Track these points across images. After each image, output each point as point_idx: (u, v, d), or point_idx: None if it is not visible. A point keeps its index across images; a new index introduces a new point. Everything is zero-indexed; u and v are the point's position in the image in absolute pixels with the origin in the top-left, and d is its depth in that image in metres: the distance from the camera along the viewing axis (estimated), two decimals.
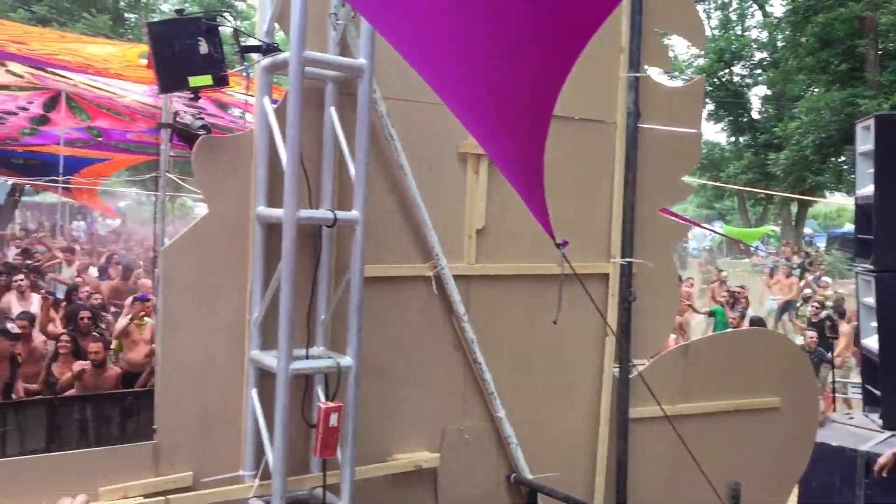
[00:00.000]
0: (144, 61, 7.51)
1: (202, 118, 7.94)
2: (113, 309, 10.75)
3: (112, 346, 8.80)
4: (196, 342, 4.23)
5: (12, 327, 7.49)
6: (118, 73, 8.36)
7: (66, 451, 4.24)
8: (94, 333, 8.55)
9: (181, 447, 4.18)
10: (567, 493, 4.93)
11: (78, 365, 7.72)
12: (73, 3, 18.94)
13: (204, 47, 4.07)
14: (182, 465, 4.19)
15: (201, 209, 30.60)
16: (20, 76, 14.06)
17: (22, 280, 9.40)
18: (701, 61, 38.09)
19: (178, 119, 7.57)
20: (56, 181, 16.07)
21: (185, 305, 4.20)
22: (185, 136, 7.75)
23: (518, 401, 5.17)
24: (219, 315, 4.29)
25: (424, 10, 1.97)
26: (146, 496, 4.03)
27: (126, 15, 20.83)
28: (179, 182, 15.51)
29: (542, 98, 1.79)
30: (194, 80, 4.09)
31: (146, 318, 8.83)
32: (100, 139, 18.38)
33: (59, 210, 17.61)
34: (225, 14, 4.27)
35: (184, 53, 4.05)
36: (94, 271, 14.06)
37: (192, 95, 4.27)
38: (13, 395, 7.59)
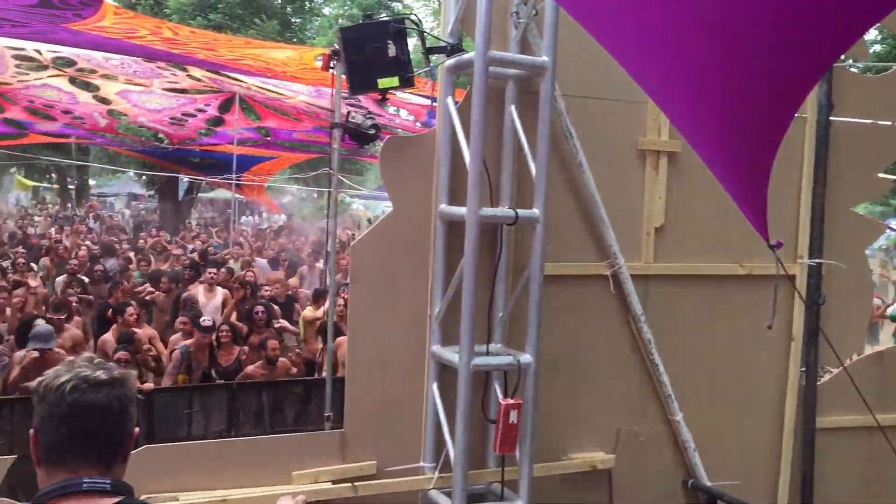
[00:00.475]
0: (319, 63, 7.81)
1: (372, 117, 8.18)
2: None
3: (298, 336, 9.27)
4: (380, 335, 4.37)
5: (204, 320, 7.99)
6: (294, 75, 8.76)
7: (268, 435, 4.50)
8: (272, 329, 8.99)
9: (366, 436, 4.34)
10: (747, 503, 4.73)
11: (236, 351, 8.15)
12: (245, 10, 20.03)
13: (392, 50, 4.19)
14: (367, 453, 4.34)
15: (358, 205, 31.69)
16: (199, 80, 15.04)
17: (214, 274, 9.94)
18: (877, 48, 35.53)
19: (349, 119, 7.85)
20: (229, 178, 17.06)
21: (371, 300, 4.34)
22: (356, 135, 8.01)
23: (696, 404, 5.02)
24: (402, 310, 4.41)
25: (651, 8, 1.93)
26: (334, 482, 4.21)
27: (292, 19, 21.82)
28: (341, 179, 16.05)
29: (788, 103, 1.71)
30: (383, 82, 4.22)
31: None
32: (268, 138, 19.37)
33: (233, 205, 18.72)
34: (411, 17, 4.37)
35: (373, 56, 4.18)
36: (262, 263, 14.80)
37: (379, 97, 4.40)
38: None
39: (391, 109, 18.06)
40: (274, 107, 16.97)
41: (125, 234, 19.56)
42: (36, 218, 21.10)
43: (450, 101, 4.36)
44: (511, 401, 4.16)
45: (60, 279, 10.38)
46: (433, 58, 4.39)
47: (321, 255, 14.59)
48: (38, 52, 13.12)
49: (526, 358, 4.26)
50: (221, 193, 24.50)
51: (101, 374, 1.87)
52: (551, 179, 4.47)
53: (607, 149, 4.76)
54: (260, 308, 9.31)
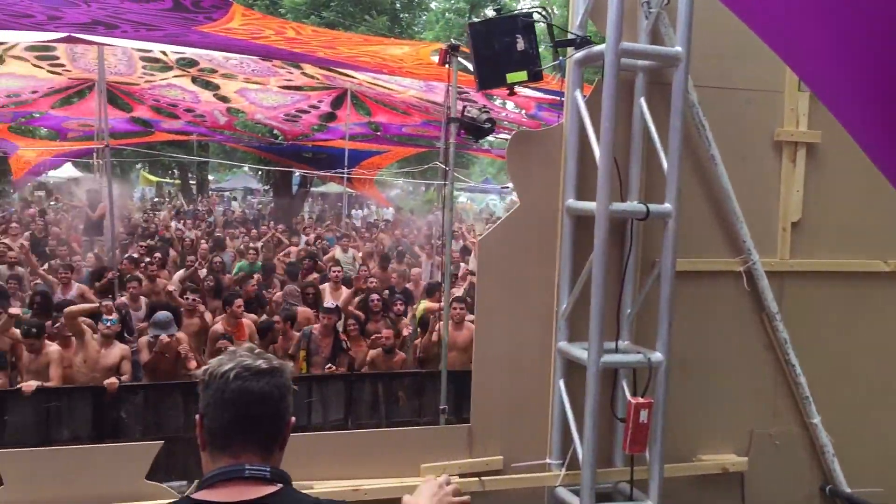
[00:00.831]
0: (436, 58, 7.84)
1: (487, 111, 8.16)
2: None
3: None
4: (507, 331, 4.36)
5: (329, 303, 8.22)
6: (409, 70, 8.85)
7: (399, 428, 4.57)
8: (387, 318, 9.14)
9: (493, 432, 4.34)
10: None
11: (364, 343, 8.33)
12: (356, 7, 20.41)
13: (521, 44, 4.17)
14: (493, 448, 4.34)
15: (464, 198, 31.80)
16: (313, 77, 15.41)
17: (339, 272, 10.19)
18: None
19: (465, 113, 7.85)
20: (341, 172, 17.43)
21: (497, 295, 4.34)
22: (471, 129, 8.00)
23: (834, 407, 4.79)
24: (528, 305, 4.38)
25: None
26: (462, 476, 4.23)
27: (401, 15, 22.09)
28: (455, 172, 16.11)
29: None
30: (511, 77, 4.20)
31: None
32: (378, 133, 19.69)
33: (343, 199, 19.12)
34: (541, 10, 4.32)
35: (502, 51, 4.16)
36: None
37: (508, 91, 4.38)
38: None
39: (497, 102, 18.03)
40: (384, 102, 17.22)
41: (242, 227, 20.26)
42: (161, 213, 22.14)
43: (578, 94, 4.29)
44: (641, 399, 4.08)
45: (179, 273, 10.83)
46: (564, 50, 4.33)
47: (431, 249, 14.71)
48: (164, 53, 13.76)
49: (657, 356, 4.17)
50: (333, 188, 25.07)
51: (261, 364, 1.93)
52: (682, 173, 4.35)
53: (741, 141, 4.59)
54: (375, 296, 9.46)
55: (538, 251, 4.40)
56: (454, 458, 4.27)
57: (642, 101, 4.34)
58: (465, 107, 7.84)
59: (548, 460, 4.41)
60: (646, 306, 4.36)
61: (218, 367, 1.94)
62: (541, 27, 4.30)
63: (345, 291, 10.06)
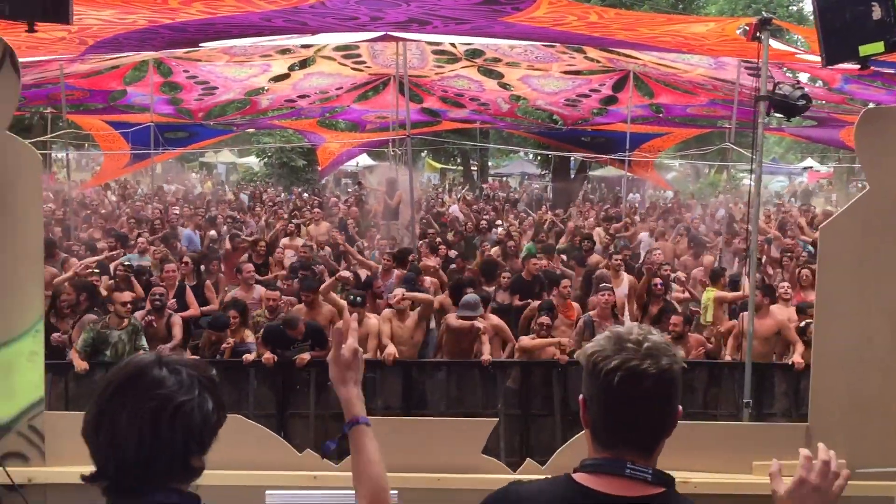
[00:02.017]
0: (742, 33, 7.42)
1: (801, 88, 7.56)
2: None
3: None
4: (852, 325, 4.01)
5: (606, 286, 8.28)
6: (711, 48, 8.46)
7: (727, 422, 4.42)
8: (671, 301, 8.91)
9: (834, 433, 4.02)
10: None
11: None
12: None
13: (877, 12, 3.79)
14: (835, 450, 4.01)
15: (749, 181, 29.98)
16: (596, 61, 15.32)
17: (620, 259, 10.17)
18: None
19: (776, 90, 7.33)
20: (622, 156, 17.23)
21: (842, 286, 4.01)
22: (783, 107, 7.46)
23: None
24: (878, 297, 4.00)
25: None
26: None
27: None
28: (742, 153, 15.29)
29: None
30: (865, 49, 3.84)
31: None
32: (660, 115, 19.16)
33: (622, 183, 18.88)
34: None
35: (854, 20, 3.82)
36: (645, 237, 14.75)
37: (859, 66, 4.02)
38: None
39: (788, 74, 16.78)
40: (669, 82, 16.71)
41: (517, 210, 20.78)
42: (445, 197, 23.36)
43: None
44: None
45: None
46: None
47: (731, 236, 14.15)
48: (453, 45, 14.39)
49: None
50: (611, 171, 24.87)
51: (648, 367, 1.83)
52: None
53: None
54: (658, 280, 9.25)
55: (890, 240, 3.99)
56: (788, 457, 4.01)
57: None
58: (776, 83, 7.34)
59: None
60: None
61: (603, 362, 1.86)
62: None
63: (625, 279, 9.94)
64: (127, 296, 7.57)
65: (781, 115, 7.53)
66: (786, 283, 9.05)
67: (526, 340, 8.04)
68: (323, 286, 8.36)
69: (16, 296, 3.34)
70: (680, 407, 1.93)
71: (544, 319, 7.93)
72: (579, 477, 1.93)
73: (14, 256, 3.34)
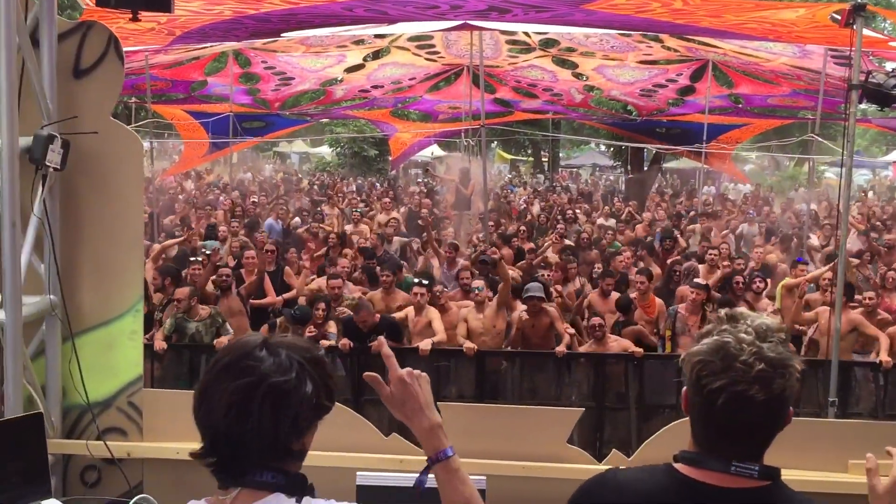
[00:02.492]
0: (836, 18, 7.16)
1: None
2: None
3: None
4: None
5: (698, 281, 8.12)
6: (799, 35, 8.20)
7: (823, 419, 4.30)
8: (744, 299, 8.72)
9: None
10: None
11: None
12: None
13: None
14: None
15: (832, 174, 29.00)
16: (675, 50, 15.00)
17: (715, 254, 10.03)
18: None
19: (870, 79, 7.07)
20: (699, 147, 16.86)
21: None
22: (877, 96, 7.19)
23: None
24: None
25: None
26: None
27: None
28: (824, 145, 14.79)
29: None
30: None
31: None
32: (739, 105, 18.67)
33: (698, 175, 18.49)
34: None
35: None
36: (745, 227, 14.39)
37: None
38: None
39: (876, 62, 16.18)
40: (750, 72, 16.28)
41: (589, 202, 20.54)
42: (516, 189, 23.26)
43: None
44: None
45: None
46: None
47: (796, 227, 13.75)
48: (527, 34, 14.27)
49: None
50: (686, 163, 24.35)
51: (762, 372, 1.69)
52: None
53: None
54: (739, 278, 9.05)
55: None
56: (884, 457, 3.88)
57: None
58: (870, 72, 7.08)
59: None
60: None
61: (707, 379, 1.72)
62: None
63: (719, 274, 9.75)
64: (184, 291, 7.67)
65: (874, 105, 7.27)
66: (871, 292, 8.61)
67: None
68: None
69: (118, 277, 3.47)
70: (791, 409, 1.82)
71: (596, 321, 7.88)
72: (681, 467, 1.87)
73: (118, 240, 3.46)
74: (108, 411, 3.55)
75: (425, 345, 7.53)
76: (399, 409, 1.93)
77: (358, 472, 3.14)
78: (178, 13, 7.17)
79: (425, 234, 10.99)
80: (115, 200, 3.43)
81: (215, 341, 7.35)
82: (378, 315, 7.76)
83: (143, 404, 3.57)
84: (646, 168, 22.71)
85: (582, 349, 7.95)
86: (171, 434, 3.43)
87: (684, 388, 1.93)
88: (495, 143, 28.36)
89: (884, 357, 7.55)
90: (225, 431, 1.66)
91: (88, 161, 3.38)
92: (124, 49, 3.43)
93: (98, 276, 3.49)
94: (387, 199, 15.42)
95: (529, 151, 33.01)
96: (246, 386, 1.65)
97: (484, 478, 3.14)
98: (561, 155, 35.14)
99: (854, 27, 6.80)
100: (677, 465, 1.90)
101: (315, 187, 22.92)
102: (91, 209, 3.46)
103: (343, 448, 3.32)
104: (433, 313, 7.93)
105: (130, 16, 3.33)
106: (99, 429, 3.49)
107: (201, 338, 7.53)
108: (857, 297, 8.36)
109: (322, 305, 7.64)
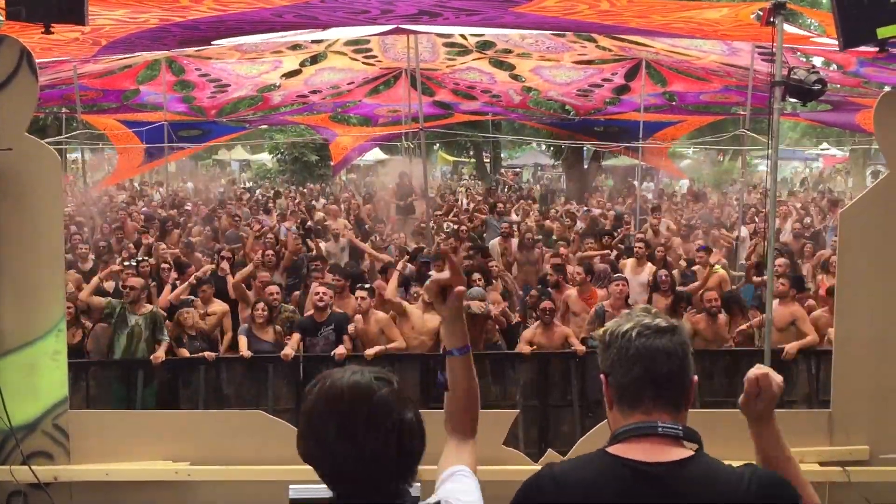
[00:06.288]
0: (756, 18, 7.35)
1: (817, 72, 7.48)
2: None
3: None
4: (873, 310, 3.99)
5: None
6: (724, 33, 8.39)
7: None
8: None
9: (857, 419, 4.02)
10: None
11: None
12: None
13: None
14: (858, 437, 4.02)
15: (763, 167, 29.76)
16: (608, 50, 15.21)
17: (641, 248, 10.16)
18: None
19: (791, 75, 7.26)
20: (635, 145, 17.12)
21: (862, 271, 3.99)
22: (799, 92, 7.39)
23: None
24: None
25: None
26: (821, 464, 3.96)
27: None
28: (757, 139, 15.16)
29: None
30: (883, 31, 3.80)
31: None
32: (673, 103, 19.01)
33: (636, 172, 18.81)
34: None
35: (872, 4, 3.78)
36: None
37: (877, 49, 3.98)
38: None
39: (802, 58, 16.65)
40: (682, 70, 16.58)
41: (534, 202, 20.72)
42: (456, 189, 23.35)
43: None
44: None
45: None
46: None
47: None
48: (464, 37, 14.32)
49: None
50: (623, 161, 24.74)
51: (660, 322, 1.97)
52: None
53: None
54: (664, 272, 9.19)
55: None
56: (812, 444, 4.01)
57: None
58: (791, 68, 7.27)
59: None
60: None
61: (617, 328, 2.00)
62: None
63: (647, 268, 9.87)
64: (138, 281, 7.80)
65: (797, 101, 7.47)
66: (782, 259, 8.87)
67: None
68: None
69: (39, 296, 3.38)
70: (695, 377, 2.00)
71: (547, 304, 7.90)
72: (614, 449, 1.96)
73: (35, 257, 3.37)
74: (33, 435, 3.46)
75: (371, 350, 7.60)
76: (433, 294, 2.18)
77: (290, 486, 3.10)
78: (102, 23, 7.03)
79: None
80: (32, 218, 3.34)
81: (152, 357, 7.30)
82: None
83: (69, 426, 3.48)
84: (585, 166, 23.01)
85: (527, 332, 7.94)
86: (100, 455, 3.36)
87: (602, 374, 2.01)
88: (437, 145, 28.40)
89: (789, 347, 7.61)
90: (380, 472, 1.90)
91: (3, 179, 3.28)
92: (48, 60, 3.34)
93: (18, 295, 3.39)
94: (333, 207, 15.40)
95: (471, 153, 33.15)
96: (395, 428, 1.87)
97: (418, 484, 3.13)
98: (503, 155, 35.38)
99: (775, 25, 7.00)
100: (610, 448, 1.96)
101: (258, 195, 22.65)
102: (8, 227, 3.36)
103: (275, 461, 3.28)
104: (383, 318, 7.92)
105: (43, 29, 3.24)
106: (24, 454, 3.39)
107: (140, 332, 7.51)
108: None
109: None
